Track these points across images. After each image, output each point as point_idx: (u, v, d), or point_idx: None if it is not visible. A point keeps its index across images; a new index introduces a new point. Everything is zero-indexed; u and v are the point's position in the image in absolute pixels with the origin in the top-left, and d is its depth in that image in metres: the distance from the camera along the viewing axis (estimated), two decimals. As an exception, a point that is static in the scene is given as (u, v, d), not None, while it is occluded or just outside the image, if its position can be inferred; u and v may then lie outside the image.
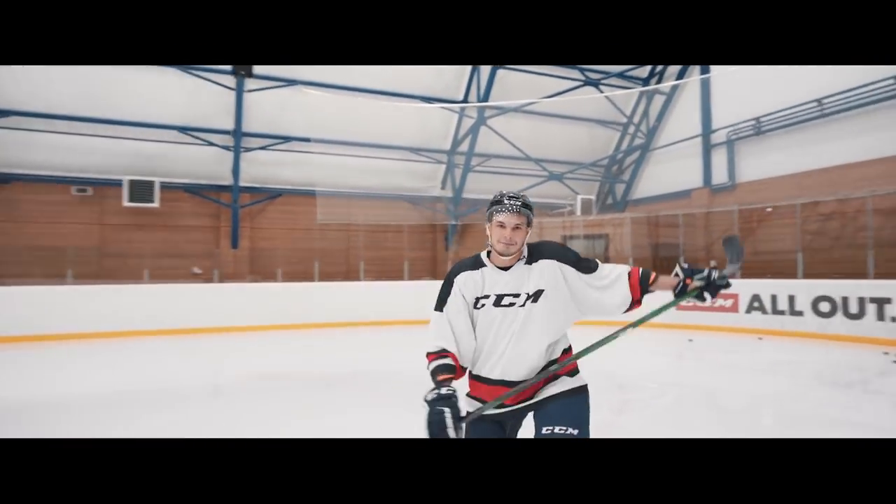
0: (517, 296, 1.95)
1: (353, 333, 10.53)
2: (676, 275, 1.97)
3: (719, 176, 12.90)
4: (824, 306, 8.86)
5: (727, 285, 1.93)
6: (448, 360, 1.92)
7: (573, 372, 2.04)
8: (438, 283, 2.11)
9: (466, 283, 1.99)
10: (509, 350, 1.94)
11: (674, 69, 14.04)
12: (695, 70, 13.57)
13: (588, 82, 13.39)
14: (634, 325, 1.96)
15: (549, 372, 1.94)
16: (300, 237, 13.42)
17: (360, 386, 6.01)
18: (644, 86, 14.20)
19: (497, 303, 1.95)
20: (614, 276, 1.98)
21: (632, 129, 15.19)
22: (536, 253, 1.99)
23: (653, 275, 1.98)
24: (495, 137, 14.02)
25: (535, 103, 13.12)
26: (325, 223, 13.29)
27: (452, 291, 1.99)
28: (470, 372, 2.05)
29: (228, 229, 12.90)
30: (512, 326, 1.94)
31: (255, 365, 7.36)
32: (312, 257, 12.55)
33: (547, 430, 1.86)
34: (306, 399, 5.40)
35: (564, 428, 1.85)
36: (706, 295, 1.92)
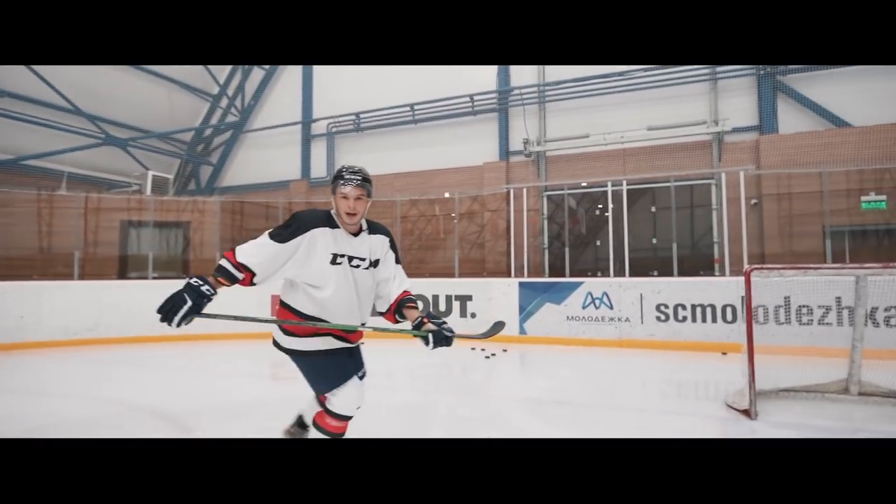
0: (363, 259, 2.30)
1: None
2: (423, 312, 2.35)
3: (318, 169, 12.02)
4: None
5: (447, 343, 2.25)
6: (240, 276, 2.13)
7: None
8: None
9: (324, 237, 2.21)
10: (360, 302, 2.32)
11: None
12: (298, 51, 12.38)
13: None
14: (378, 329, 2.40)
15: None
16: None
17: None
18: (241, 54, 12.10)
19: (350, 262, 2.26)
20: (399, 280, 2.43)
21: (224, 102, 12.83)
22: (374, 227, 2.39)
23: (411, 304, 2.40)
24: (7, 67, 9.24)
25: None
26: None
27: (304, 237, 2.16)
28: (309, 316, 2.27)
29: None
30: (363, 284, 2.31)
31: None
32: None
33: (362, 372, 2.47)
34: None
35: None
36: (430, 339, 2.24)
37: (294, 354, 2.31)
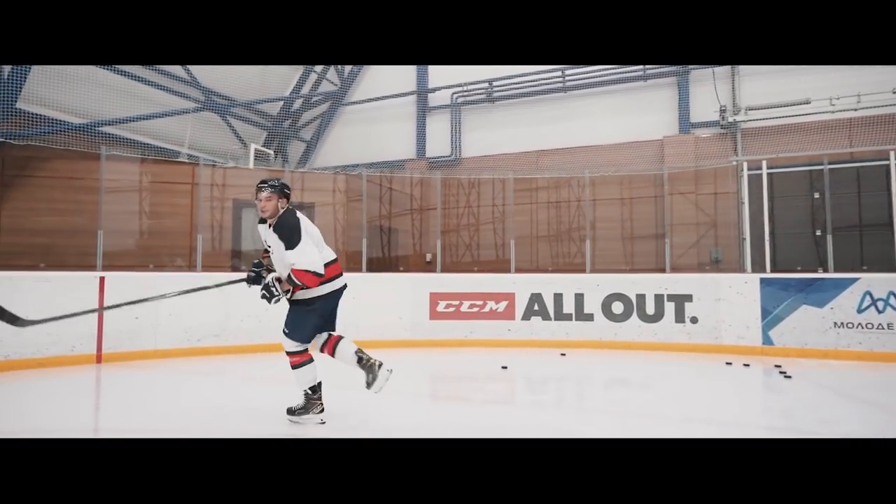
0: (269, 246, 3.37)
1: None
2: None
3: (438, 147, 10.27)
4: (617, 307, 7.08)
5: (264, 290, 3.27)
6: None
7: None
8: None
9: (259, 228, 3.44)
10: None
11: None
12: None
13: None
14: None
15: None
16: None
17: None
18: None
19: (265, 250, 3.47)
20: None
21: (320, 67, 11.06)
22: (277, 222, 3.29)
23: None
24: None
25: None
26: None
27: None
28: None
29: None
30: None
31: None
32: None
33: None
34: None
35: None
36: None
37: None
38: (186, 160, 7.64)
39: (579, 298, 7.16)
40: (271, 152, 9.58)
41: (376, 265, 8.47)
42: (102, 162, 6.23)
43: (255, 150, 8.99)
